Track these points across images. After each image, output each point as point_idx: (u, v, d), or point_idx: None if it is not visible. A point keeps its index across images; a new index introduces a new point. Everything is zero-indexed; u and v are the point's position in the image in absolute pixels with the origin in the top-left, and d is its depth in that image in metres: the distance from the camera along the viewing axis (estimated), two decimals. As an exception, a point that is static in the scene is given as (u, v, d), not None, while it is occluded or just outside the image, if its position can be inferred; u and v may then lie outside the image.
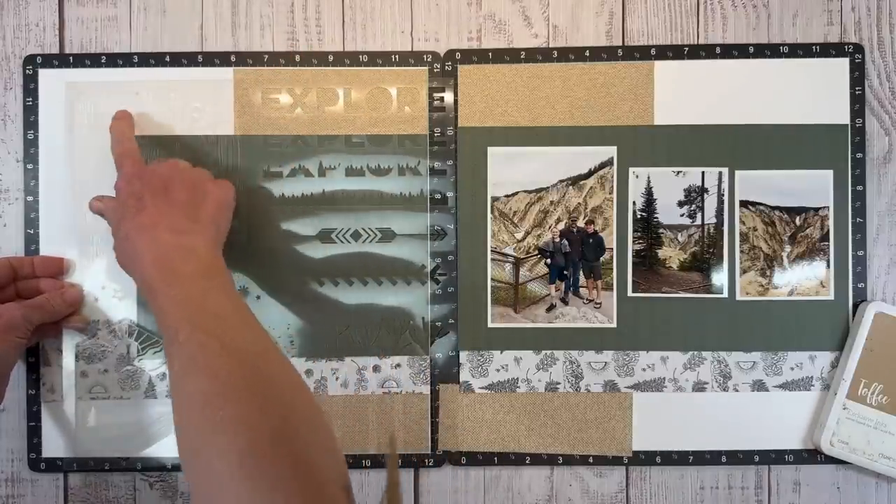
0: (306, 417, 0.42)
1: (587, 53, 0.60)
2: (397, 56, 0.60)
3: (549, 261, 0.60)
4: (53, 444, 0.60)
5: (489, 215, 0.60)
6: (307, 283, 0.60)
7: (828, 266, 0.60)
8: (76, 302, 0.59)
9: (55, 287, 0.58)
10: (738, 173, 0.60)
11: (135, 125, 0.59)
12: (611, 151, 0.60)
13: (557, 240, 0.60)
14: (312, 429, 0.42)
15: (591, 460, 0.60)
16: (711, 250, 0.60)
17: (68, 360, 0.60)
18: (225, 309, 0.46)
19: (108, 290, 0.60)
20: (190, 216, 0.51)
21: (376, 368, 0.60)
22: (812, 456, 0.60)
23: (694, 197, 0.60)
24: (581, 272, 0.60)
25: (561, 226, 0.60)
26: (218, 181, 0.55)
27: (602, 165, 0.60)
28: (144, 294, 0.48)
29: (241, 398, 0.40)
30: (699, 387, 0.60)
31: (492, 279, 0.60)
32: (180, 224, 0.50)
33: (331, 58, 0.60)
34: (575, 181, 0.60)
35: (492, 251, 0.60)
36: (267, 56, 0.60)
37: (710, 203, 0.60)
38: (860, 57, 0.60)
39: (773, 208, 0.60)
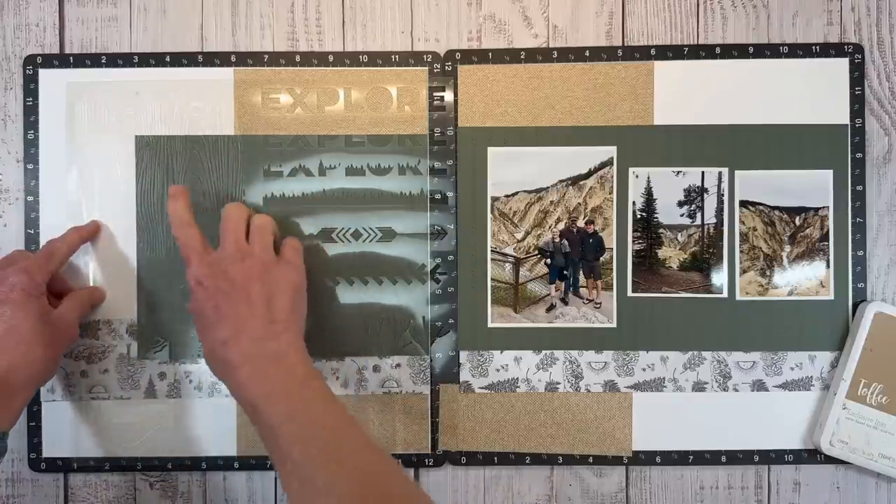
0: None
1: (587, 53, 0.61)
2: (397, 56, 0.60)
3: (549, 261, 0.60)
4: (53, 444, 0.60)
5: (489, 215, 0.60)
6: (307, 282, 0.60)
7: (828, 266, 0.60)
8: (74, 244, 0.57)
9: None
10: (737, 173, 0.60)
11: (189, 203, 0.54)
12: (611, 151, 0.60)
13: (557, 240, 0.60)
14: None
15: (591, 460, 0.60)
16: (711, 250, 0.60)
17: (68, 360, 0.60)
18: (330, 419, 0.46)
19: (108, 290, 0.60)
20: (270, 316, 0.49)
21: (376, 368, 0.60)
22: (812, 456, 0.60)
23: (694, 197, 0.60)
24: (581, 272, 0.60)
25: (561, 226, 0.60)
26: (286, 261, 0.53)
27: (602, 165, 0.60)
28: (246, 411, 0.48)
29: None
30: (699, 387, 0.60)
31: (492, 279, 0.60)
32: (263, 330, 0.49)
33: (331, 58, 0.60)
34: (575, 181, 0.60)
35: (492, 251, 0.60)
36: (267, 56, 0.60)
37: (710, 203, 0.60)
38: (860, 57, 0.60)
39: (773, 208, 0.60)
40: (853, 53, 0.60)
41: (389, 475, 0.45)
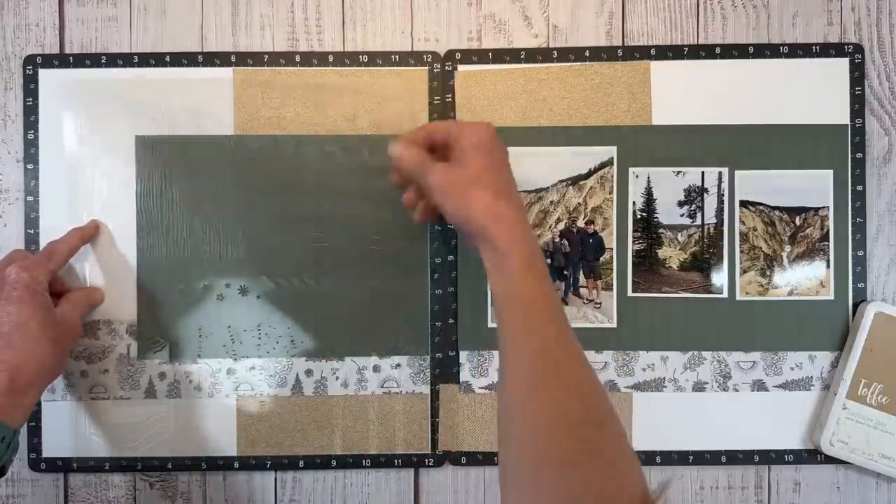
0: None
1: (587, 53, 0.61)
2: (397, 56, 0.60)
3: (549, 261, 0.60)
4: (53, 444, 0.60)
5: (489, 215, 0.60)
6: (307, 282, 0.60)
7: (828, 266, 0.60)
8: (75, 244, 0.58)
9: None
10: (737, 173, 0.60)
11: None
12: (611, 151, 0.60)
13: (557, 240, 0.60)
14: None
15: (591, 460, 0.60)
16: (711, 250, 0.60)
17: (68, 360, 0.60)
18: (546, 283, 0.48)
19: (108, 290, 0.60)
20: (518, 198, 0.51)
21: (376, 368, 0.60)
22: (812, 456, 0.60)
23: (694, 197, 0.60)
24: (581, 272, 0.60)
25: (561, 226, 0.60)
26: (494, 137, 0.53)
27: (602, 165, 0.60)
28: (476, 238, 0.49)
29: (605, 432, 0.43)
30: (699, 387, 0.60)
31: (492, 279, 0.60)
32: (521, 205, 0.51)
33: (331, 58, 0.60)
34: (575, 181, 0.60)
35: (492, 251, 0.60)
36: (267, 56, 0.60)
37: (710, 203, 0.60)
38: (860, 57, 0.60)
39: (773, 208, 0.60)
40: (853, 53, 0.60)
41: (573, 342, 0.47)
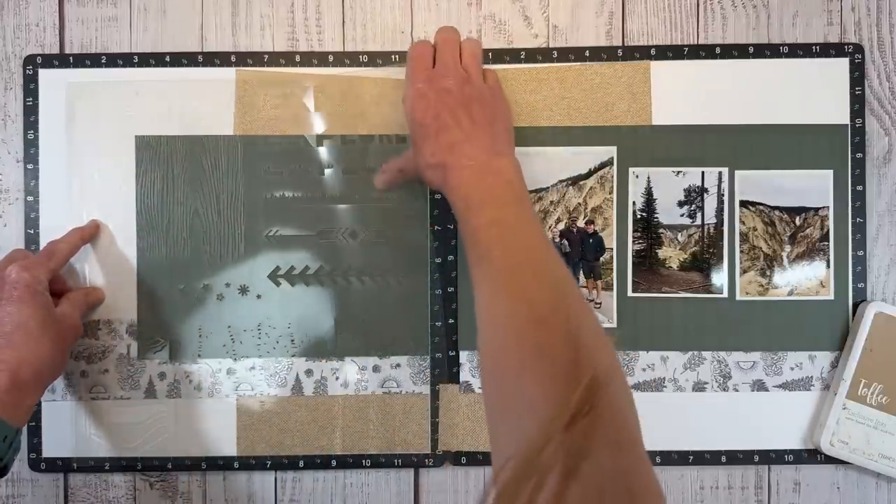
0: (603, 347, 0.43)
1: (587, 53, 0.61)
2: (397, 56, 0.60)
3: (549, 261, 0.60)
4: (53, 444, 0.60)
5: (489, 215, 0.60)
6: (307, 282, 0.60)
7: (828, 266, 0.60)
8: (75, 244, 0.58)
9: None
10: (737, 173, 0.60)
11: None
12: (611, 151, 0.60)
13: (557, 240, 0.60)
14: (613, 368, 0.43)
15: (591, 460, 0.60)
16: (711, 250, 0.60)
17: (68, 360, 0.60)
18: (534, 239, 0.47)
19: (108, 290, 0.60)
20: (493, 137, 0.51)
21: (376, 368, 0.60)
22: (812, 456, 0.60)
23: (694, 197, 0.60)
24: (581, 272, 0.60)
25: (561, 226, 0.60)
26: (497, 92, 0.55)
27: (602, 165, 0.60)
28: (456, 208, 0.49)
29: (550, 327, 0.41)
30: (699, 387, 0.60)
31: (492, 279, 0.60)
32: (489, 143, 0.50)
33: (331, 58, 0.60)
34: (575, 181, 0.60)
35: (492, 251, 0.60)
36: (267, 56, 0.60)
37: (710, 203, 0.60)
38: (860, 57, 0.60)
39: (773, 208, 0.60)
40: (853, 53, 0.60)
41: (575, 290, 0.46)
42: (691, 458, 0.60)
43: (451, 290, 0.60)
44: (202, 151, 0.60)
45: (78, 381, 0.60)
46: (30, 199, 0.60)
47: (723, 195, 0.60)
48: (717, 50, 0.60)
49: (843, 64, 0.60)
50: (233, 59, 0.60)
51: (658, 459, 0.60)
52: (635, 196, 0.60)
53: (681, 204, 0.60)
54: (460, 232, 0.50)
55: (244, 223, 0.60)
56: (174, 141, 0.60)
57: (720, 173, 0.60)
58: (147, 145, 0.60)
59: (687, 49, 0.60)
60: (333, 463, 0.60)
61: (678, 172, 0.60)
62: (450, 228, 0.60)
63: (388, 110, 0.60)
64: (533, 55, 0.61)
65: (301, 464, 0.60)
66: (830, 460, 0.59)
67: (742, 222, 0.60)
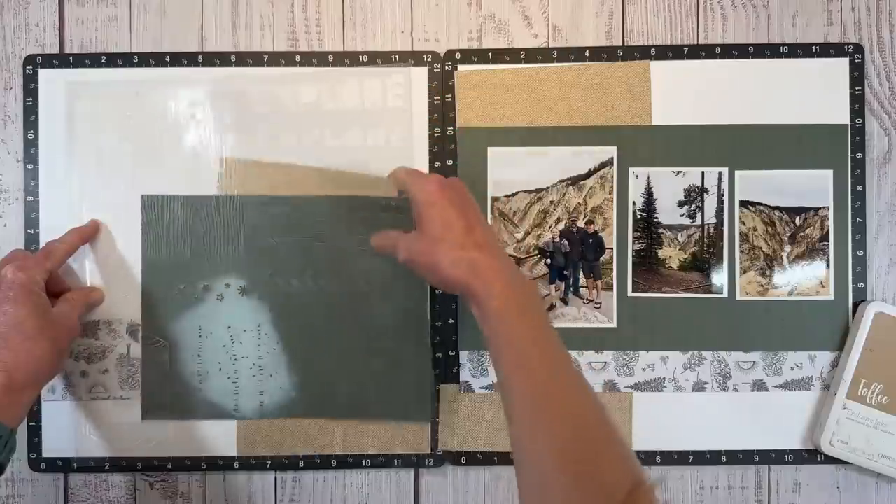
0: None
1: (587, 53, 0.61)
2: (397, 56, 0.60)
3: (549, 261, 0.60)
4: (53, 444, 0.60)
5: (489, 215, 0.60)
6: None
7: (828, 266, 0.60)
8: (73, 244, 0.58)
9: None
10: (737, 173, 0.60)
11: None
12: (611, 151, 0.60)
13: (557, 240, 0.60)
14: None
15: (591, 460, 0.60)
16: (711, 250, 0.60)
17: (68, 360, 0.60)
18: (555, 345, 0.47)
19: (107, 290, 0.60)
20: (491, 238, 0.50)
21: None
22: (812, 456, 0.60)
23: (694, 197, 0.60)
24: (581, 272, 0.60)
25: (561, 226, 0.60)
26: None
27: (602, 165, 0.60)
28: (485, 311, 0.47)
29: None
30: (699, 387, 0.60)
31: (492, 279, 0.60)
32: (495, 245, 0.49)
33: (331, 58, 0.60)
34: (575, 181, 0.60)
35: (492, 251, 0.60)
36: (267, 56, 0.60)
37: (710, 203, 0.60)
38: (860, 57, 0.60)
39: (773, 208, 0.60)
40: (853, 53, 0.60)
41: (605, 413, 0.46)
42: (691, 458, 0.60)
43: (451, 290, 0.60)
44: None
45: (78, 381, 0.60)
46: (30, 199, 0.60)
47: (723, 195, 0.60)
48: (717, 50, 0.60)
49: (843, 64, 0.60)
50: (232, 58, 0.60)
51: (658, 459, 0.60)
52: (635, 196, 0.60)
53: (681, 204, 0.60)
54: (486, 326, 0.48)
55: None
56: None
57: (720, 173, 0.60)
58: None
59: (687, 49, 0.60)
60: (333, 463, 0.60)
61: (678, 172, 0.60)
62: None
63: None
64: (533, 55, 0.61)
65: (301, 464, 0.60)
66: (830, 460, 0.59)
67: (742, 222, 0.60)
